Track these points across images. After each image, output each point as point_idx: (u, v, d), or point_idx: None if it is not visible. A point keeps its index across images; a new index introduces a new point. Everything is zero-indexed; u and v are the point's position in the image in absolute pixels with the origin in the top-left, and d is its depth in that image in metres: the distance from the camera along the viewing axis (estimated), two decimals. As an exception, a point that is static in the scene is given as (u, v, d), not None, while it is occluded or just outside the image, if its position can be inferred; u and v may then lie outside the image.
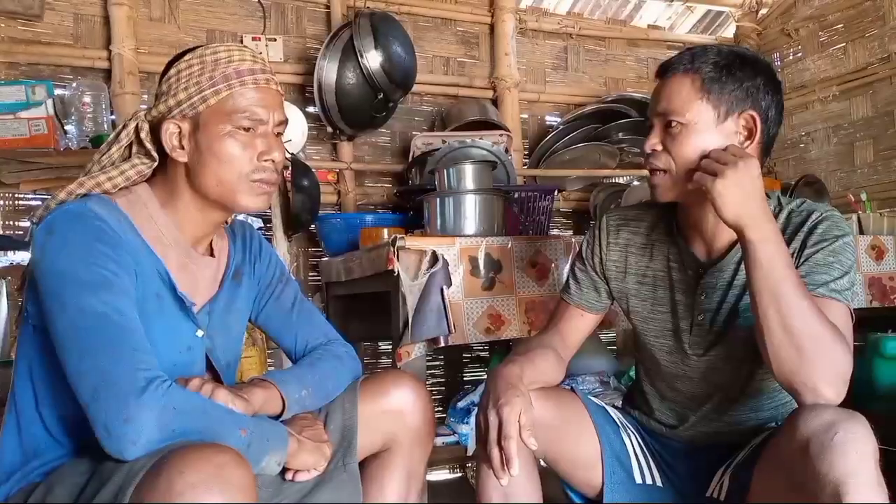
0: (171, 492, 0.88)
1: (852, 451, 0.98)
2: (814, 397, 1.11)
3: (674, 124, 1.28)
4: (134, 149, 1.24)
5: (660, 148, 1.31)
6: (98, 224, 1.12)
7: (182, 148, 1.20)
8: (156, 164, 1.23)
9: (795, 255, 1.26)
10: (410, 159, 2.88)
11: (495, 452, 1.19)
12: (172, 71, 1.22)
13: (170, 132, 1.19)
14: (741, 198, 1.15)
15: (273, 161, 1.22)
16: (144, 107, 2.71)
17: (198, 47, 1.24)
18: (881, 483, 0.99)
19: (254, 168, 1.20)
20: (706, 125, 1.27)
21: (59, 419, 1.14)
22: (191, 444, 0.95)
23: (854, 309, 1.25)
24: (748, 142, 1.29)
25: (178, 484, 0.88)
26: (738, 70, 1.28)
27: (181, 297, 1.21)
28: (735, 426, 1.40)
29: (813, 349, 1.10)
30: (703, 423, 1.43)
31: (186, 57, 1.21)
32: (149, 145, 1.21)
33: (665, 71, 1.34)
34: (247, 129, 1.20)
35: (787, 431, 1.08)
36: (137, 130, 1.22)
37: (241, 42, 2.92)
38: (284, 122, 1.26)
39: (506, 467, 1.17)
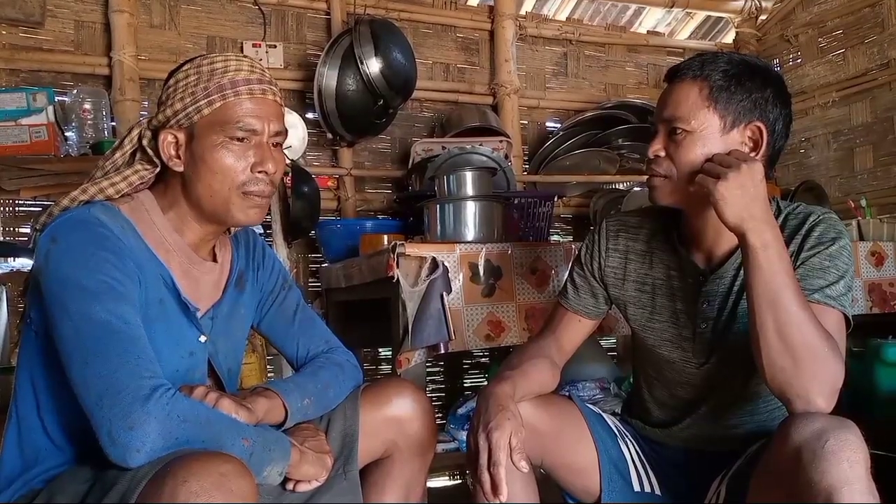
0: (174, 500, 0.88)
1: (843, 458, 0.99)
2: (805, 407, 1.11)
3: (679, 131, 1.27)
4: (137, 155, 1.24)
5: (662, 154, 1.30)
6: (101, 231, 1.12)
7: (178, 157, 1.20)
8: (157, 170, 1.23)
9: (792, 257, 1.25)
10: (410, 165, 2.88)
11: (485, 477, 1.18)
12: (171, 80, 1.22)
13: (167, 142, 1.20)
14: (743, 201, 1.14)
15: (266, 172, 1.21)
16: (145, 114, 2.71)
17: (198, 57, 1.24)
18: (872, 490, 1.00)
19: (247, 179, 1.20)
20: (711, 134, 1.25)
21: (61, 426, 1.15)
22: (194, 453, 0.95)
23: (854, 315, 1.25)
24: (753, 153, 1.27)
25: (180, 492, 0.88)
26: (748, 80, 1.26)
27: (185, 303, 1.21)
28: (732, 429, 1.40)
29: (808, 360, 1.10)
30: (699, 424, 1.43)
31: (185, 67, 1.22)
32: (150, 152, 1.22)
33: (674, 76, 1.32)
34: (240, 140, 1.19)
35: (779, 440, 1.08)
36: (141, 137, 1.23)
37: (242, 49, 2.93)
38: (282, 133, 1.25)
39: (495, 492, 1.17)
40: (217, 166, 1.18)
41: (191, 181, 1.21)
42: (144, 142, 1.22)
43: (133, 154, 1.25)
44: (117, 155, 1.24)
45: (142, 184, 1.24)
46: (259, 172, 1.21)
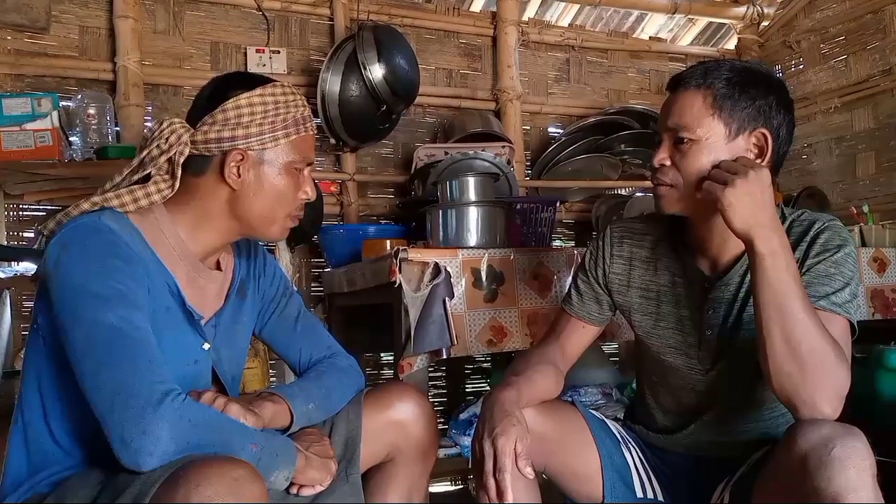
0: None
1: (850, 465, 0.99)
2: (811, 413, 1.11)
3: (684, 140, 1.27)
4: (152, 172, 1.22)
5: (668, 163, 1.30)
6: (112, 238, 1.13)
7: (238, 175, 1.22)
8: (171, 193, 1.22)
9: (798, 264, 1.24)
10: (413, 171, 2.89)
11: (491, 483, 1.19)
12: (232, 103, 1.21)
13: (236, 160, 1.22)
14: (751, 207, 1.14)
15: (309, 198, 1.30)
16: (149, 118, 2.72)
17: (261, 84, 1.25)
18: (879, 497, 1.00)
19: (298, 204, 1.29)
20: (717, 142, 1.25)
21: (69, 431, 1.15)
22: (207, 458, 0.96)
23: (857, 321, 1.25)
24: (758, 160, 1.27)
25: (193, 496, 0.89)
26: (751, 87, 1.26)
27: (190, 311, 1.22)
28: (736, 436, 1.40)
29: (815, 367, 1.10)
30: (703, 430, 1.43)
31: (246, 94, 1.22)
32: (179, 171, 1.21)
33: (676, 85, 1.31)
34: (299, 171, 1.28)
35: (785, 446, 1.08)
36: (170, 159, 1.20)
37: (245, 54, 2.95)
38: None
39: (501, 499, 1.17)
40: (280, 191, 1.26)
41: (245, 199, 1.24)
42: (181, 159, 1.20)
43: (147, 176, 1.23)
44: (136, 176, 1.23)
45: (148, 205, 1.22)
46: (303, 197, 1.30)
